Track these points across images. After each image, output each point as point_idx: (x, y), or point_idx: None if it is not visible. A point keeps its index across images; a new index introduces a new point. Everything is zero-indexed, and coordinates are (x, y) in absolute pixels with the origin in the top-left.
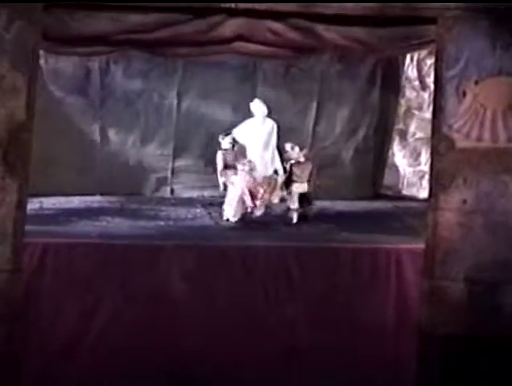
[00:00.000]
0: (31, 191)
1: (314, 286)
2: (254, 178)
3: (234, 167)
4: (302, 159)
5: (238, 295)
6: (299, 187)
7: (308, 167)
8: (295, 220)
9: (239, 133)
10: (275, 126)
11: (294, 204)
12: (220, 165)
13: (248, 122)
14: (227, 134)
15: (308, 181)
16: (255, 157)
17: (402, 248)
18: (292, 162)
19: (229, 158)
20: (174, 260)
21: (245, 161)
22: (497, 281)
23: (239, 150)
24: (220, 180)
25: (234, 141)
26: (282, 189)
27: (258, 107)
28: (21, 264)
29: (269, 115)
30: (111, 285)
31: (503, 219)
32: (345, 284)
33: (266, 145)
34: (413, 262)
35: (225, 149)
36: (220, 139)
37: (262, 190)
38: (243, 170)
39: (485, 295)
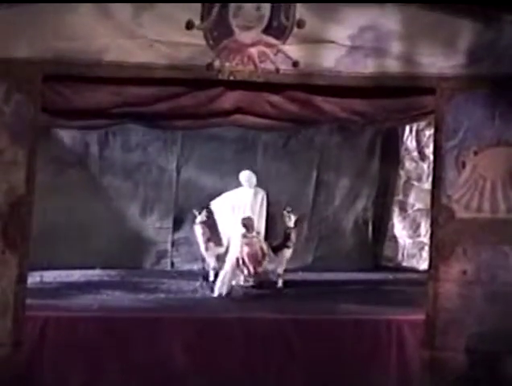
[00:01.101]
0: (32, 265)
1: (315, 358)
2: (262, 247)
3: (214, 240)
4: (292, 225)
5: (239, 367)
6: (288, 253)
7: (296, 233)
8: (280, 285)
9: (219, 205)
10: (265, 196)
11: (281, 269)
12: (202, 239)
13: (233, 193)
14: (202, 208)
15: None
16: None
17: (402, 320)
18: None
19: (207, 231)
20: (174, 332)
21: (254, 232)
22: (498, 352)
23: (247, 222)
24: (206, 254)
25: (210, 214)
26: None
27: (247, 178)
28: (22, 338)
29: (269, 186)
30: (112, 357)
31: (504, 289)
32: (346, 355)
33: (260, 216)
34: (414, 333)
35: (202, 223)
36: (195, 213)
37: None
38: (250, 242)
39: (486, 366)
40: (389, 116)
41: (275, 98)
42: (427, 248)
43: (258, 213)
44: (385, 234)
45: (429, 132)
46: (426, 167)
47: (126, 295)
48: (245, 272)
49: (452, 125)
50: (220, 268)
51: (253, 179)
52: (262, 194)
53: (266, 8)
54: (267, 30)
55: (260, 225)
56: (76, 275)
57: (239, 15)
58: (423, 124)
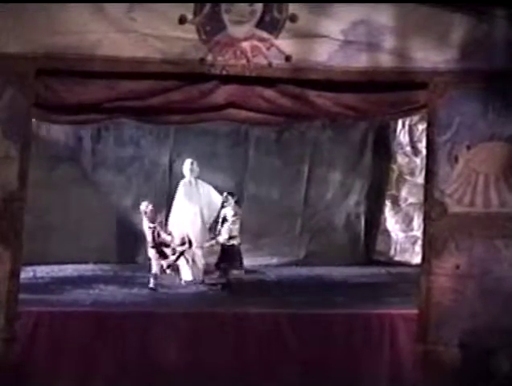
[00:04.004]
0: (24, 260)
1: (308, 351)
2: (163, 240)
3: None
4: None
5: (233, 361)
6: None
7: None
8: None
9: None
10: (205, 187)
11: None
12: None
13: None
14: None
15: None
16: (178, 217)
17: (395, 314)
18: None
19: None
20: (167, 326)
21: (156, 222)
22: (491, 346)
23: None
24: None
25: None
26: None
27: (186, 168)
28: (15, 333)
29: (263, 181)
30: (105, 352)
31: (496, 283)
32: (339, 349)
33: (188, 205)
34: (406, 327)
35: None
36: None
37: (168, 252)
38: (149, 234)
39: (479, 360)
40: (381, 110)
41: (268, 92)
42: (419, 242)
43: (188, 203)
44: (377, 228)
45: (422, 126)
46: (418, 162)
47: (119, 290)
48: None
49: (444, 119)
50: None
51: (196, 170)
52: (197, 183)
53: (259, 3)
54: (260, 25)
55: (189, 216)
56: (69, 270)
57: (232, 10)
58: (415, 118)
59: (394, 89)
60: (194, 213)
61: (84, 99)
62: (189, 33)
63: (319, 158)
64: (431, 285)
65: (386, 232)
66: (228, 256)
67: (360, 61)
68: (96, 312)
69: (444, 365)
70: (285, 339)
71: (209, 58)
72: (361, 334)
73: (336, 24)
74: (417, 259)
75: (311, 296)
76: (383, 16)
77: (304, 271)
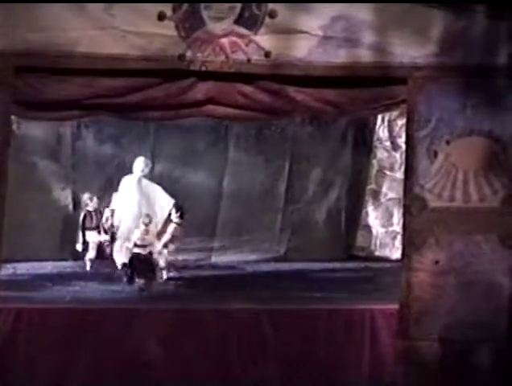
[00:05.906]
0: (4, 257)
1: (288, 348)
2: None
3: None
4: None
5: (213, 358)
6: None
7: None
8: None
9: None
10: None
11: None
12: None
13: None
14: None
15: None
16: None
17: (375, 309)
18: None
19: None
20: (148, 323)
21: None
22: (471, 341)
23: None
24: None
25: None
26: None
27: (138, 165)
28: None
29: (243, 177)
30: (85, 350)
31: (476, 278)
32: (320, 345)
33: (133, 202)
34: (387, 323)
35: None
36: None
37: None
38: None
39: (459, 355)
40: (361, 105)
41: (247, 88)
42: (399, 237)
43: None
44: (357, 223)
45: (401, 121)
46: (398, 157)
47: (99, 286)
48: None
49: (423, 114)
50: None
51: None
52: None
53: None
54: (239, 21)
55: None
56: (48, 267)
57: (211, 6)
58: (395, 113)
59: (374, 84)
60: (136, 211)
61: (64, 96)
62: (168, 29)
63: (299, 154)
64: (411, 280)
65: (367, 227)
66: (140, 264)
67: (339, 56)
68: (75, 309)
69: (425, 360)
70: (265, 335)
71: (188, 54)
72: (342, 330)
73: (315, 20)
74: (397, 254)
75: (290, 291)
76: (362, 11)
77: (285, 266)
